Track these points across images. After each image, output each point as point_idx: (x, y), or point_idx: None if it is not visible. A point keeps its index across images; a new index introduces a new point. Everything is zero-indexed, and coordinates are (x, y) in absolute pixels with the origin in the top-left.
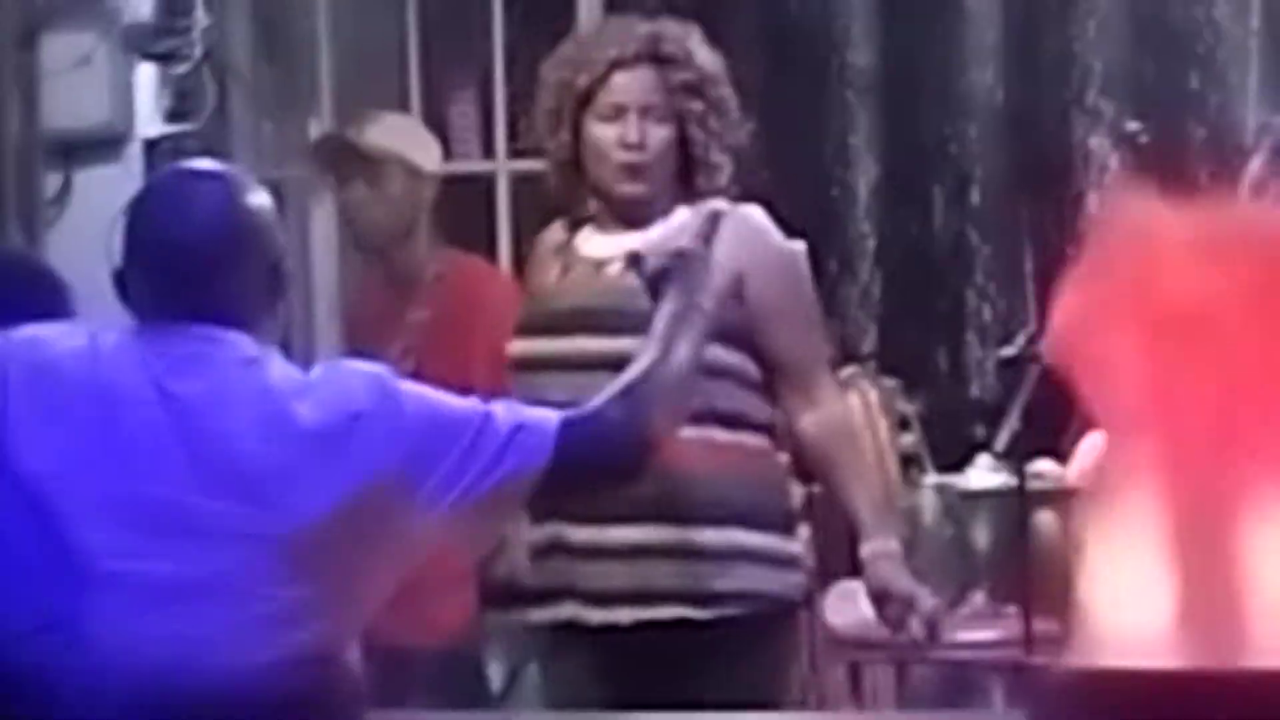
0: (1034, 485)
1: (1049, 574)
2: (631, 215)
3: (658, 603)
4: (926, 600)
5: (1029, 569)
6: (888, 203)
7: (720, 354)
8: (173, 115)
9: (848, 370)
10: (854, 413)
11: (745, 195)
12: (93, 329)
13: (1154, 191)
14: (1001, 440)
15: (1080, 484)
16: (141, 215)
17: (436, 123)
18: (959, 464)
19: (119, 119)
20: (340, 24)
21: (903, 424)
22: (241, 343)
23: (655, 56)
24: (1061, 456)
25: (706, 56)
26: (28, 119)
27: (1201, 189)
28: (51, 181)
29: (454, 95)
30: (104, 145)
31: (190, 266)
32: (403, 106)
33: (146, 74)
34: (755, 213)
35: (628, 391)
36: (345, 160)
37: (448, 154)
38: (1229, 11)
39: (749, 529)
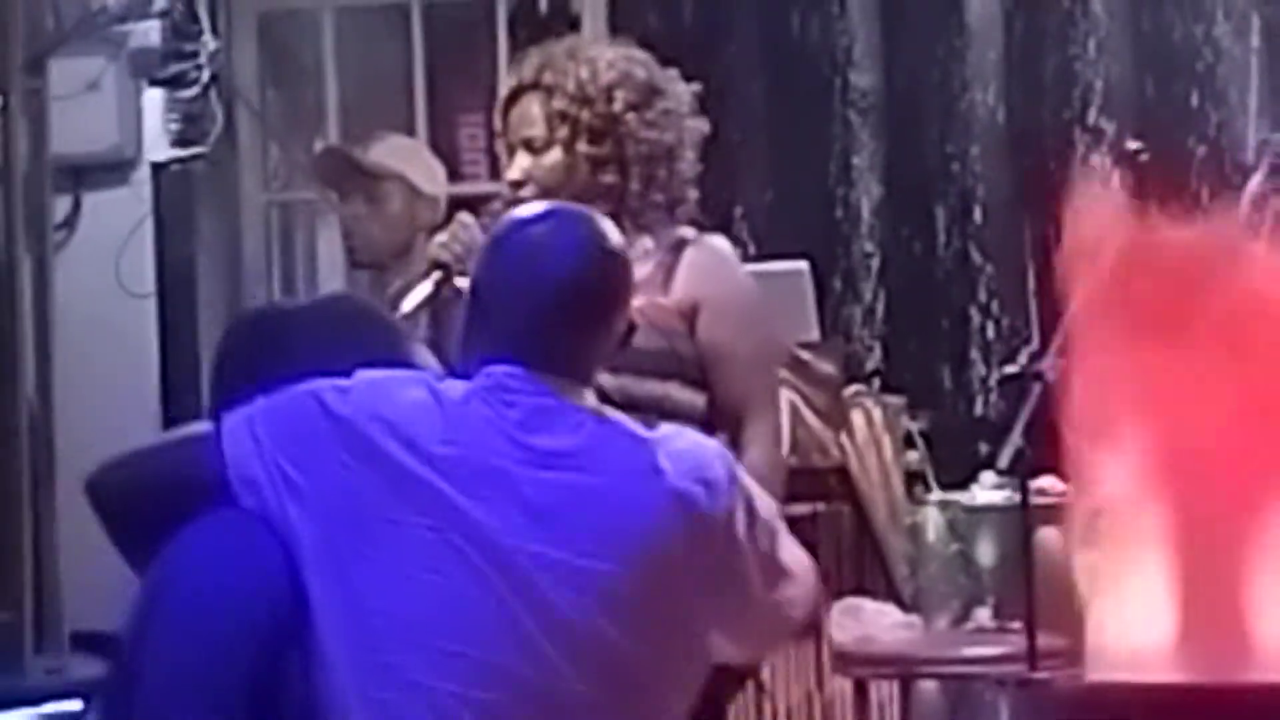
0: (1037, 501)
1: (1053, 590)
2: None
3: None
4: None
5: (1033, 585)
6: (891, 222)
7: (672, 390)
8: (180, 139)
9: (852, 389)
10: (769, 463)
11: (748, 215)
12: (425, 377)
13: (1148, 210)
14: (1005, 457)
15: (1084, 501)
16: (521, 256)
17: (445, 145)
18: (963, 481)
19: (127, 143)
20: (347, 48)
21: (907, 441)
22: (590, 397)
23: (538, 85)
24: (1064, 473)
25: (594, 76)
26: (36, 143)
27: (1201, 206)
28: (60, 205)
29: (461, 118)
30: (112, 169)
31: (570, 312)
32: (409, 129)
33: (154, 98)
34: (720, 244)
35: None
36: (346, 175)
37: (457, 176)
38: (1229, 30)
39: None
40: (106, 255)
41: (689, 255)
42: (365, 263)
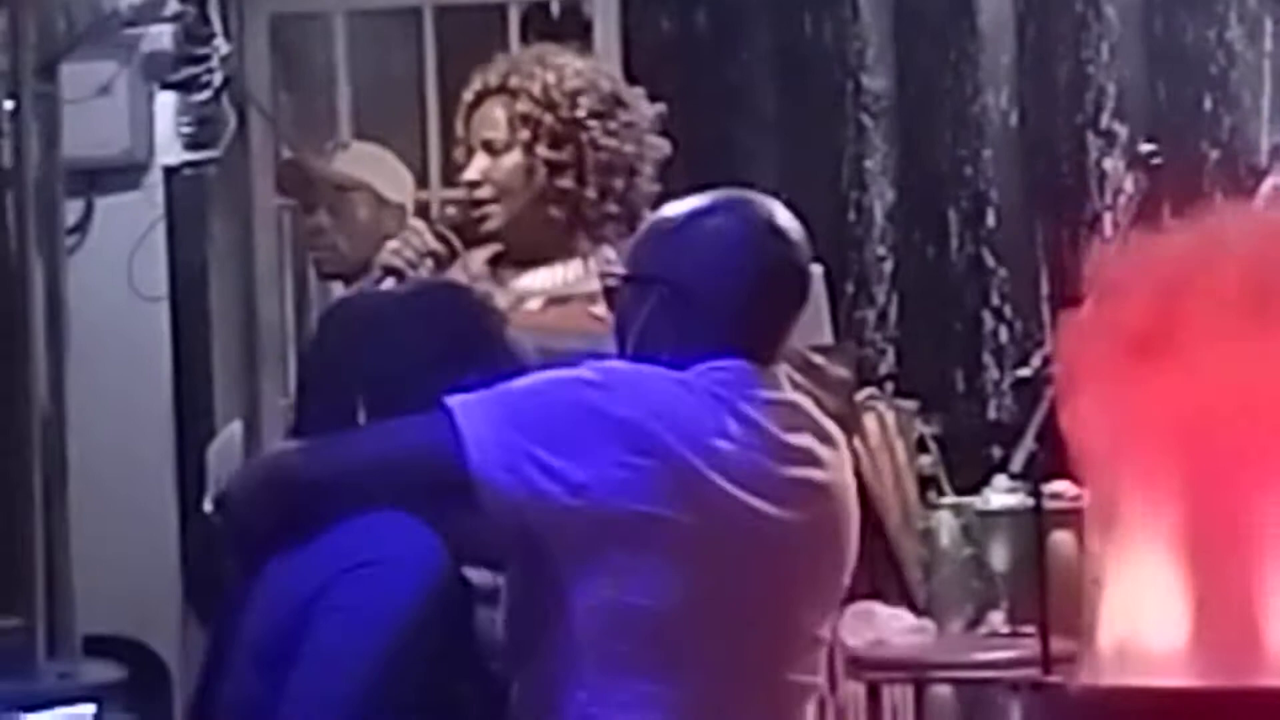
0: (1051, 505)
1: (1066, 594)
2: (518, 252)
3: None
4: None
5: (1046, 589)
6: (904, 226)
7: None
8: (192, 143)
9: (865, 392)
10: None
11: None
12: (663, 372)
13: (1160, 216)
14: (1018, 461)
15: (1094, 503)
16: (722, 244)
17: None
18: (976, 485)
19: (139, 147)
20: (359, 52)
21: (920, 445)
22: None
23: (503, 89)
24: (1077, 477)
25: (559, 81)
26: (48, 148)
27: (1213, 210)
28: (72, 209)
29: None
30: (124, 173)
31: (781, 297)
32: (421, 133)
33: (166, 102)
34: None
35: None
36: (308, 187)
37: None
38: (1242, 33)
39: None
40: (119, 259)
41: None
42: (331, 274)
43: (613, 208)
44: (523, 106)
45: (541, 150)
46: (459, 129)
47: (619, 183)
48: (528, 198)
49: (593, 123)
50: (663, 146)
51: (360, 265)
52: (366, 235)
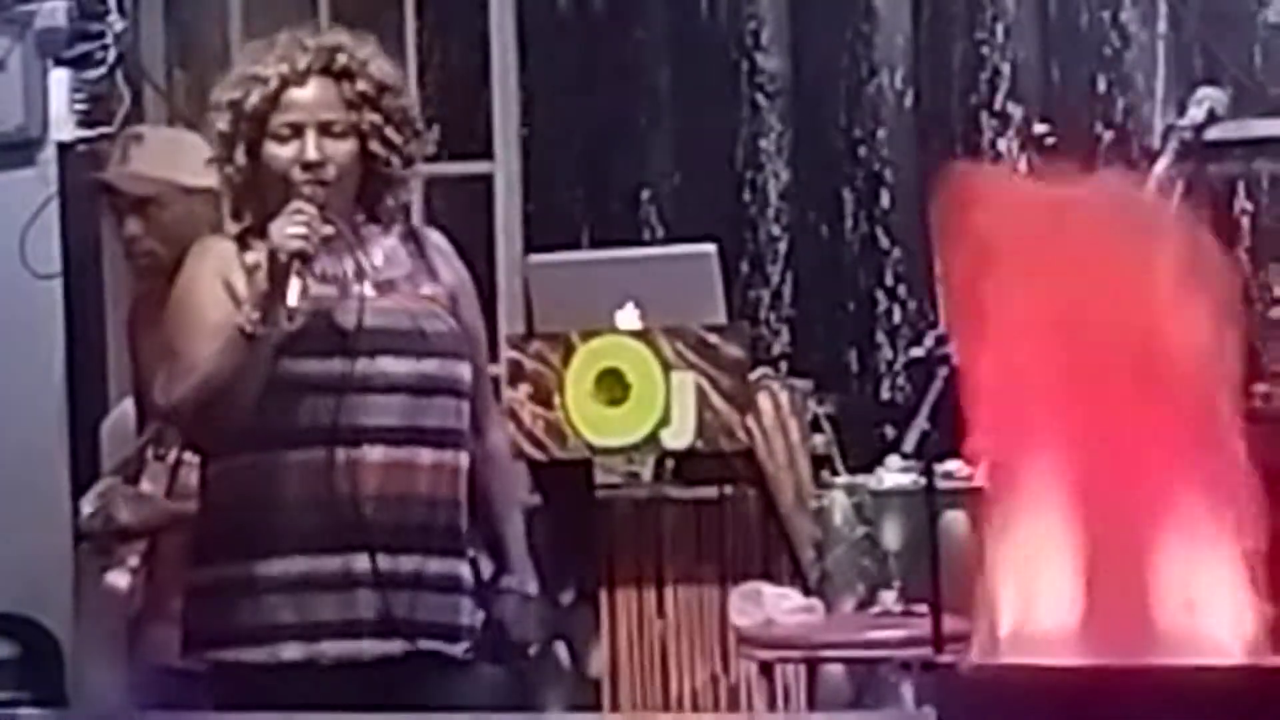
0: (943, 485)
1: (958, 573)
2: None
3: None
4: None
5: (938, 568)
6: (798, 205)
7: (440, 366)
8: (87, 120)
9: (758, 372)
10: (509, 446)
11: (655, 197)
12: None
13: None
14: (911, 441)
15: (984, 483)
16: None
17: None
18: (870, 464)
19: (33, 123)
20: (254, 28)
21: (814, 425)
22: None
23: (329, 69)
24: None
25: (383, 66)
26: None
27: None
28: None
29: None
30: (18, 149)
31: None
32: None
33: (60, 78)
34: (441, 235)
35: None
36: (114, 197)
37: None
38: (1136, 15)
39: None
40: (11, 236)
41: (433, 245)
42: (152, 277)
43: (412, 183)
44: (362, 87)
45: (389, 133)
46: (257, 101)
47: (418, 160)
48: (357, 179)
49: (407, 103)
50: None
51: (177, 262)
52: (179, 232)
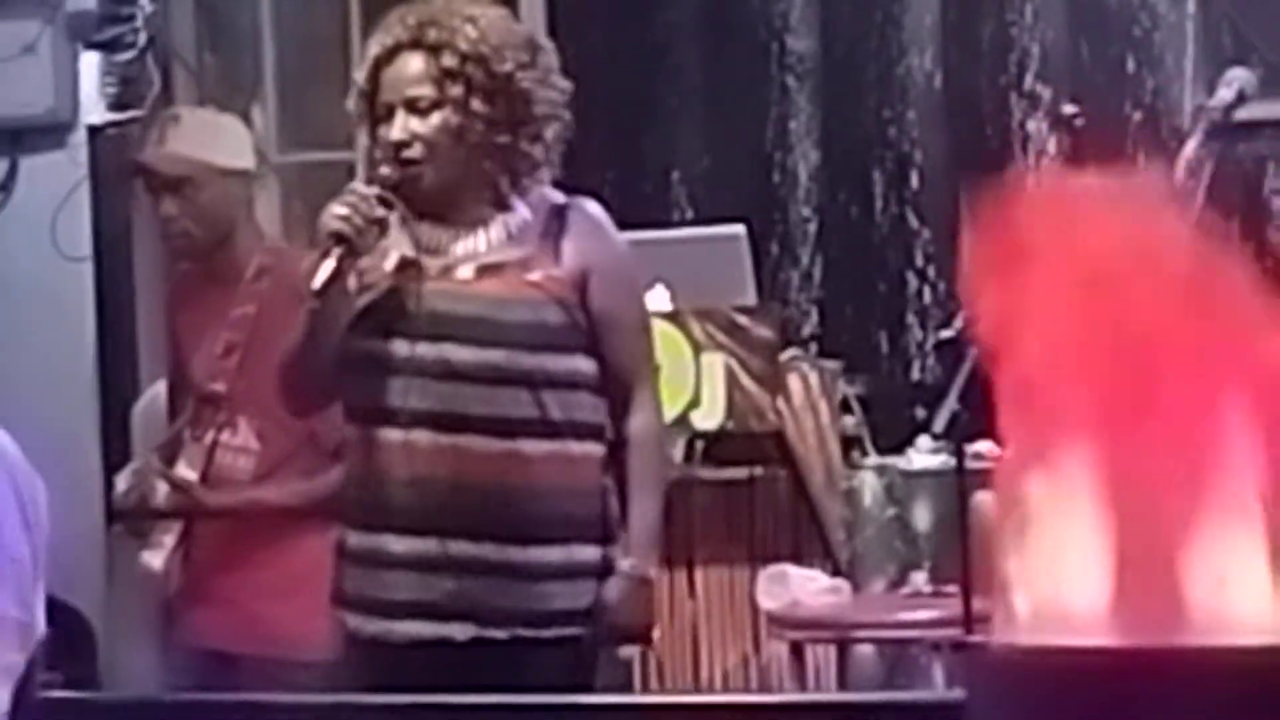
0: (973, 465)
1: (989, 553)
2: (443, 213)
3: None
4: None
5: (969, 549)
6: (828, 186)
7: (579, 363)
8: (117, 103)
9: (788, 353)
10: (652, 430)
11: (685, 179)
12: None
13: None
14: (941, 421)
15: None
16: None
17: None
18: (900, 445)
19: (63, 106)
20: (284, 11)
21: (844, 406)
22: None
23: (419, 43)
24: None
25: (482, 36)
26: None
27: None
28: None
29: None
30: (49, 132)
31: None
32: (346, 92)
33: (91, 62)
34: (595, 207)
35: None
36: (150, 177)
37: None
38: None
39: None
40: (43, 219)
41: (573, 223)
42: (187, 257)
43: (540, 155)
44: (449, 61)
45: (476, 106)
46: (362, 81)
47: (549, 131)
48: (459, 155)
49: (521, 74)
50: (567, 85)
51: (215, 243)
52: (216, 212)
